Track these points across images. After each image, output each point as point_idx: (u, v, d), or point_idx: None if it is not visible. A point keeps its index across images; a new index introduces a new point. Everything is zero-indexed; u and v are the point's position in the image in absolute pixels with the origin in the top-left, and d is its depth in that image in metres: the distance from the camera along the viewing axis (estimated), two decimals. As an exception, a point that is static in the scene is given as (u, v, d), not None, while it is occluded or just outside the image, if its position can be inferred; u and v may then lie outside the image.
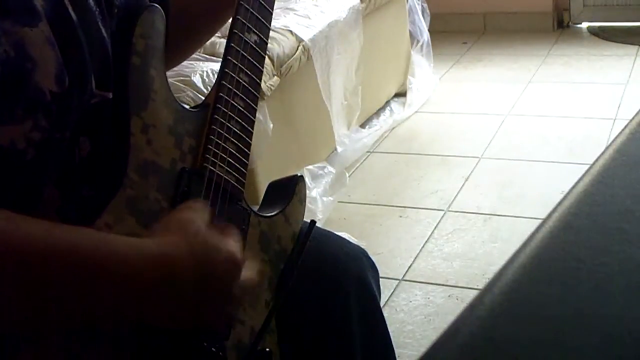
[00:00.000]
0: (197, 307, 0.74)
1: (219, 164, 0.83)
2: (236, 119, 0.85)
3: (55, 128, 0.72)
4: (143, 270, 0.69)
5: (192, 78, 2.02)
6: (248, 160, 0.87)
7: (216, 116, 0.83)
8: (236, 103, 0.86)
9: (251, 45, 0.88)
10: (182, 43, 1.01)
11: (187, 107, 0.84)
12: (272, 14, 0.93)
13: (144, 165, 0.76)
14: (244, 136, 0.86)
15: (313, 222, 0.93)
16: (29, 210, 0.69)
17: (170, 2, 0.97)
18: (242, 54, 0.87)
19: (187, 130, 0.81)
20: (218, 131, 0.83)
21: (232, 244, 0.76)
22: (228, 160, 0.84)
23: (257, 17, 0.90)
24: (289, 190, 0.96)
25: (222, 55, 0.88)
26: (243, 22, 0.88)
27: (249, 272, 0.78)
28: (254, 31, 0.89)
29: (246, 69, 0.87)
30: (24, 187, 0.72)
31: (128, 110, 0.76)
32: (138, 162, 0.76)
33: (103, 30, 0.79)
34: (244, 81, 0.87)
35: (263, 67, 0.91)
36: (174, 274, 0.71)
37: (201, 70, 2.05)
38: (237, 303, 0.79)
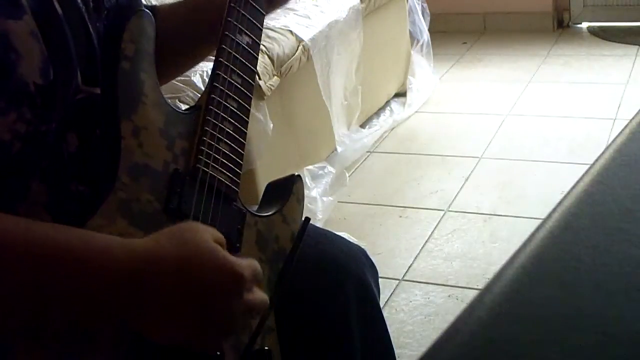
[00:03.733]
0: (191, 320, 0.70)
1: (212, 165, 0.82)
2: (229, 120, 0.86)
3: (40, 120, 0.72)
4: (127, 268, 0.68)
5: (192, 78, 2.02)
6: (242, 161, 0.87)
7: (208, 117, 0.83)
8: (228, 104, 0.86)
9: (243, 46, 0.89)
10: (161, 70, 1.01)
11: (179, 109, 0.84)
12: (264, 15, 0.93)
13: (136, 167, 0.76)
14: (238, 137, 0.86)
15: (307, 219, 0.93)
16: (15, 204, 0.69)
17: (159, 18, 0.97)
18: (233, 55, 0.87)
19: (179, 133, 0.81)
20: (210, 132, 0.83)
21: (237, 259, 0.72)
22: (221, 160, 0.84)
23: (248, 18, 0.90)
24: (286, 189, 0.96)
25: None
26: (234, 24, 0.88)
27: (257, 296, 0.74)
28: (245, 32, 0.89)
29: (238, 70, 0.88)
30: (11, 180, 0.72)
31: (118, 113, 0.76)
32: (129, 164, 0.76)
33: (90, 27, 0.79)
34: (236, 82, 0.87)
35: (256, 68, 0.91)
36: (158, 273, 0.69)
37: (201, 71, 2.05)
38: (238, 326, 0.75)
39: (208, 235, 0.72)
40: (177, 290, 0.70)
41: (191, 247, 0.71)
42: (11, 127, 0.70)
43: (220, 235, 0.74)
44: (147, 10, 0.81)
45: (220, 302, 0.71)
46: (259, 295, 0.75)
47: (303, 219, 0.95)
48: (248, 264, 0.73)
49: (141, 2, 0.89)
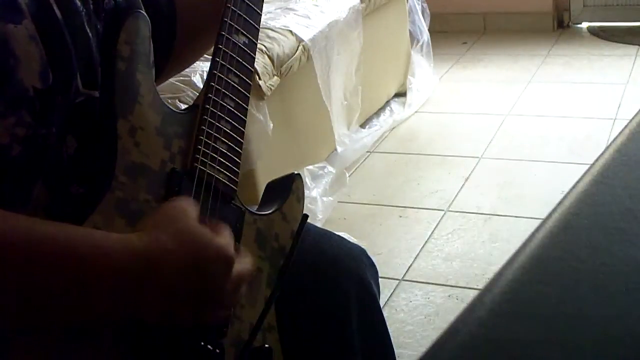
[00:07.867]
0: (189, 303, 0.74)
1: (209, 164, 0.83)
2: (226, 119, 0.86)
3: (39, 124, 0.73)
4: (127, 264, 0.70)
5: (192, 78, 2.02)
6: (240, 160, 0.87)
7: (205, 117, 0.84)
8: (225, 103, 0.86)
9: (240, 46, 0.89)
10: (187, 51, 1.03)
11: (176, 109, 0.85)
12: (260, 15, 0.94)
13: (133, 167, 0.77)
14: (235, 136, 0.87)
15: (305, 216, 0.93)
16: (19, 208, 0.69)
17: (178, 10, 0.98)
18: (230, 55, 0.88)
19: (176, 132, 0.82)
20: (207, 131, 0.84)
21: (222, 239, 0.76)
22: (219, 159, 0.84)
23: (244, 18, 0.91)
24: (286, 188, 0.96)
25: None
26: (230, 24, 0.89)
27: (242, 266, 0.79)
28: (242, 33, 0.90)
29: (235, 69, 0.88)
30: (12, 184, 0.73)
31: (115, 113, 0.77)
32: (126, 164, 0.77)
33: (88, 31, 0.80)
34: (233, 82, 0.88)
35: (253, 68, 0.92)
36: (159, 268, 0.71)
37: (201, 71, 2.05)
38: (232, 298, 0.79)
39: (195, 215, 0.76)
40: (178, 281, 0.73)
41: (187, 236, 0.74)
42: (10, 130, 0.71)
43: (199, 211, 0.78)
44: (143, 12, 0.82)
45: (216, 282, 0.76)
46: (244, 264, 0.80)
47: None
48: (230, 242, 0.78)
49: (140, 3, 0.90)
